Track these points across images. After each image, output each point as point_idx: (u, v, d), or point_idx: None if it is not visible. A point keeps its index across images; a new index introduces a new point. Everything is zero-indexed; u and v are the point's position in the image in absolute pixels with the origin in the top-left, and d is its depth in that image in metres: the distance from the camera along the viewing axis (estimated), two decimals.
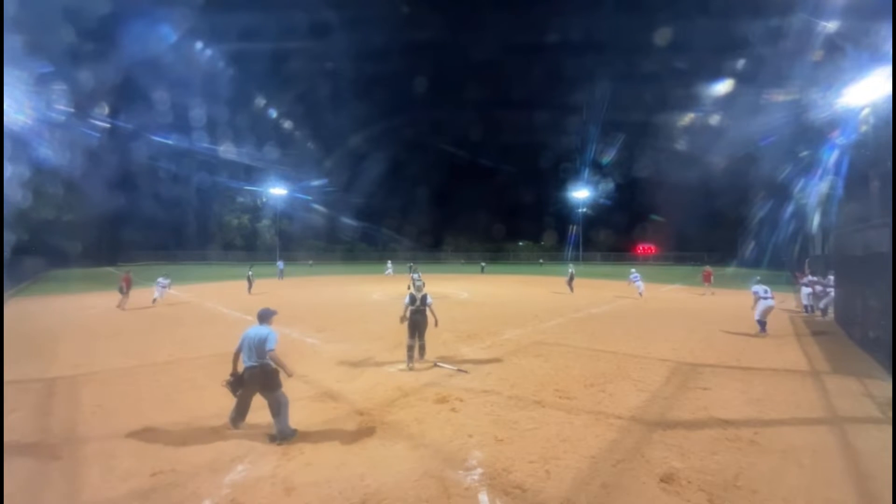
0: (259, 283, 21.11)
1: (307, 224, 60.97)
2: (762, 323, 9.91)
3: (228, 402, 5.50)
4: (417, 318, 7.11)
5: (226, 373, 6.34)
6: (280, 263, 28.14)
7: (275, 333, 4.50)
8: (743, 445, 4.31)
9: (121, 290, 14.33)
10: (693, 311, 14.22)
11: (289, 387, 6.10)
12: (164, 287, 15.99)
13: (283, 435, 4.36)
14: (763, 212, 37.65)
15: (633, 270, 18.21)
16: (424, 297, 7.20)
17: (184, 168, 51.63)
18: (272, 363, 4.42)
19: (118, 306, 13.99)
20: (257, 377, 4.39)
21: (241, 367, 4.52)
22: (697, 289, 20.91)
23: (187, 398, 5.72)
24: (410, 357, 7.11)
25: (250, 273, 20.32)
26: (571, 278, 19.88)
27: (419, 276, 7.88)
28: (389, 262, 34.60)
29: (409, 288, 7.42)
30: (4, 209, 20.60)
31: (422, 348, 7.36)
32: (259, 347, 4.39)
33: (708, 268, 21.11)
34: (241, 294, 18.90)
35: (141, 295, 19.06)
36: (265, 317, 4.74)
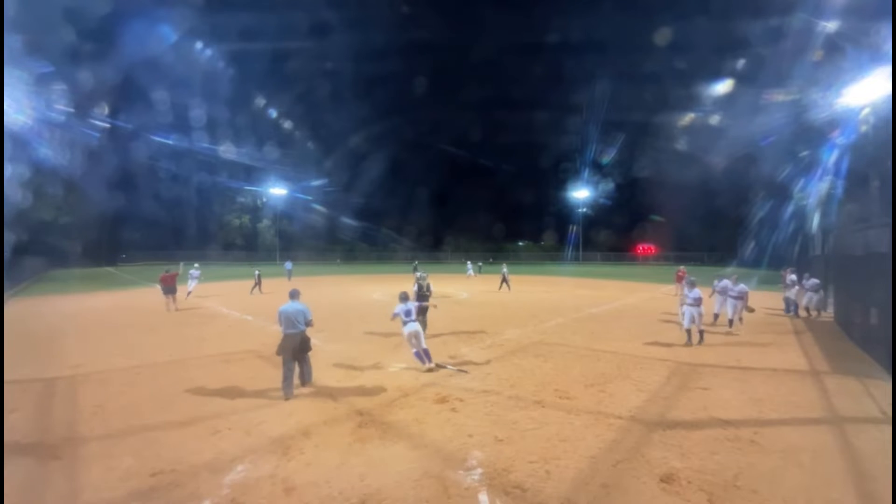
0: (266, 284, 21.17)
1: (307, 224, 61.00)
2: (730, 321, 9.94)
3: (228, 402, 5.52)
4: (421, 302, 9.08)
5: (226, 372, 6.41)
6: (288, 264, 28.07)
7: (309, 308, 5.97)
8: (743, 445, 4.31)
9: (166, 292, 13.50)
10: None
11: None
12: (195, 278, 16.69)
13: (307, 379, 5.98)
14: (763, 212, 37.62)
15: (468, 262, 25.33)
16: (428, 286, 9.51)
17: (184, 168, 51.71)
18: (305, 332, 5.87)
19: (168, 309, 13.40)
20: (298, 342, 5.74)
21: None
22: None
23: (187, 398, 5.72)
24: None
25: (258, 272, 20.52)
26: (505, 278, 20.70)
27: (424, 274, 10.17)
28: (196, 264, 19.52)
29: (417, 279, 9.64)
30: (4, 209, 20.60)
31: (425, 325, 8.84)
32: (301, 318, 5.80)
33: (682, 268, 19.77)
34: (241, 294, 18.91)
35: (143, 295, 19.06)
36: (296, 294, 6.04)
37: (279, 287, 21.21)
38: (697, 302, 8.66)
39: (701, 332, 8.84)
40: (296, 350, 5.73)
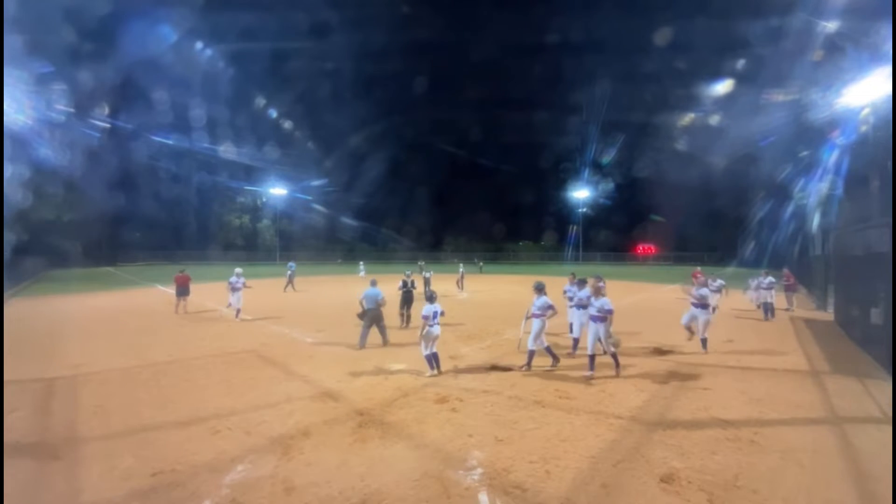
0: (270, 283, 21.31)
1: (307, 224, 60.95)
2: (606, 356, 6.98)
3: (228, 402, 5.54)
4: (406, 296, 10.90)
5: (226, 371, 6.54)
6: (292, 265, 28.11)
7: (381, 291, 8.63)
8: (743, 445, 4.31)
9: (178, 294, 13.05)
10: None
11: (289, 387, 6.15)
12: (238, 288, 12.15)
13: (386, 340, 8.64)
14: (763, 212, 37.62)
15: (360, 263, 27.69)
16: (413, 283, 11.18)
17: (184, 168, 51.67)
18: (381, 308, 8.59)
19: (177, 311, 13.03)
20: (374, 314, 8.46)
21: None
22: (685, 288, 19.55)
23: (187, 398, 5.72)
24: (401, 320, 10.73)
25: (290, 272, 20.92)
26: (462, 277, 21.68)
27: (410, 273, 11.93)
28: (238, 269, 13.22)
29: (405, 276, 11.33)
30: (4, 209, 20.61)
31: (409, 317, 10.80)
32: (374, 299, 8.45)
33: (698, 269, 17.57)
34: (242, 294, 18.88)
35: (143, 295, 19.06)
36: (375, 283, 8.87)
37: (297, 285, 21.37)
38: (544, 311, 6.86)
39: (531, 353, 7.01)
40: (373, 319, 8.47)
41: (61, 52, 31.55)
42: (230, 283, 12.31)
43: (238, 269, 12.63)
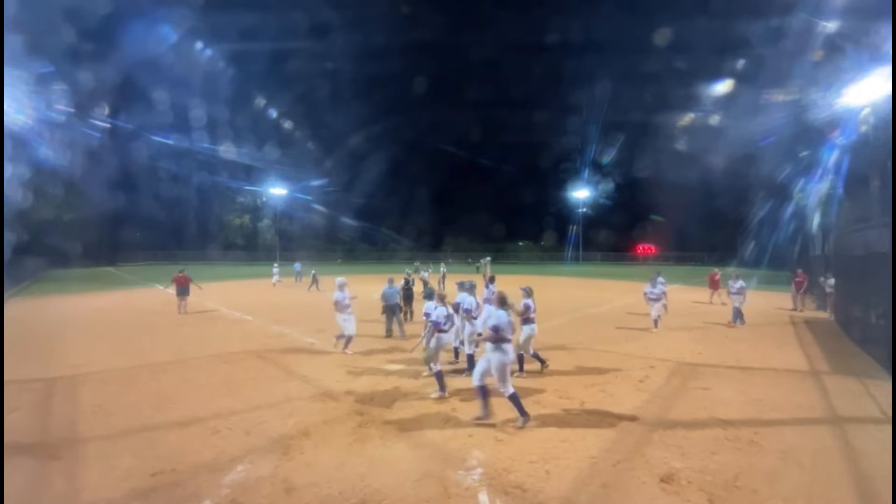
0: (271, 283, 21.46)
1: (307, 224, 60.95)
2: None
3: (228, 402, 5.55)
4: (407, 294, 11.34)
5: (226, 372, 6.52)
6: (297, 265, 27.88)
7: (395, 288, 9.65)
8: (743, 445, 4.31)
9: (179, 294, 13.06)
10: (691, 311, 14.21)
11: (289, 387, 6.15)
12: (348, 305, 8.08)
13: (401, 333, 9.43)
14: (763, 212, 37.63)
15: (274, 265, 25.22)
16: (412, 281, 12.05)
17: (184, 168, 51.61)
18: (397, 303, 9.68)
19: (180, 311, 13.05)
20: (392, 309, 9.51)
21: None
22: (701, 290, 18.00)
23: (187, 398, 5.72)
24: (405, 315, 11.04)
25: (314, 272, 21.32)
26: (443, 277, 21.53)
27: (410, 272, 12.61)
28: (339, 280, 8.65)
29: (406, 275, 12.11)
30: (4, 209, 20.61)
31: (412, 312, 11.36)
32: (390, 295, 9.47)
33: (716, 271, 16.62)
34: (242, 294, 18.93)
35: (143, 295, 19.05)
36: (392, 282, 9.75)
37: (302, 286, 21.56)
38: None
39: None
40: (391, 313, 9.52)
41: (61, 52, 31.54)
42: (337, 303, 8.03)
43: (340, 279, 8.34)
